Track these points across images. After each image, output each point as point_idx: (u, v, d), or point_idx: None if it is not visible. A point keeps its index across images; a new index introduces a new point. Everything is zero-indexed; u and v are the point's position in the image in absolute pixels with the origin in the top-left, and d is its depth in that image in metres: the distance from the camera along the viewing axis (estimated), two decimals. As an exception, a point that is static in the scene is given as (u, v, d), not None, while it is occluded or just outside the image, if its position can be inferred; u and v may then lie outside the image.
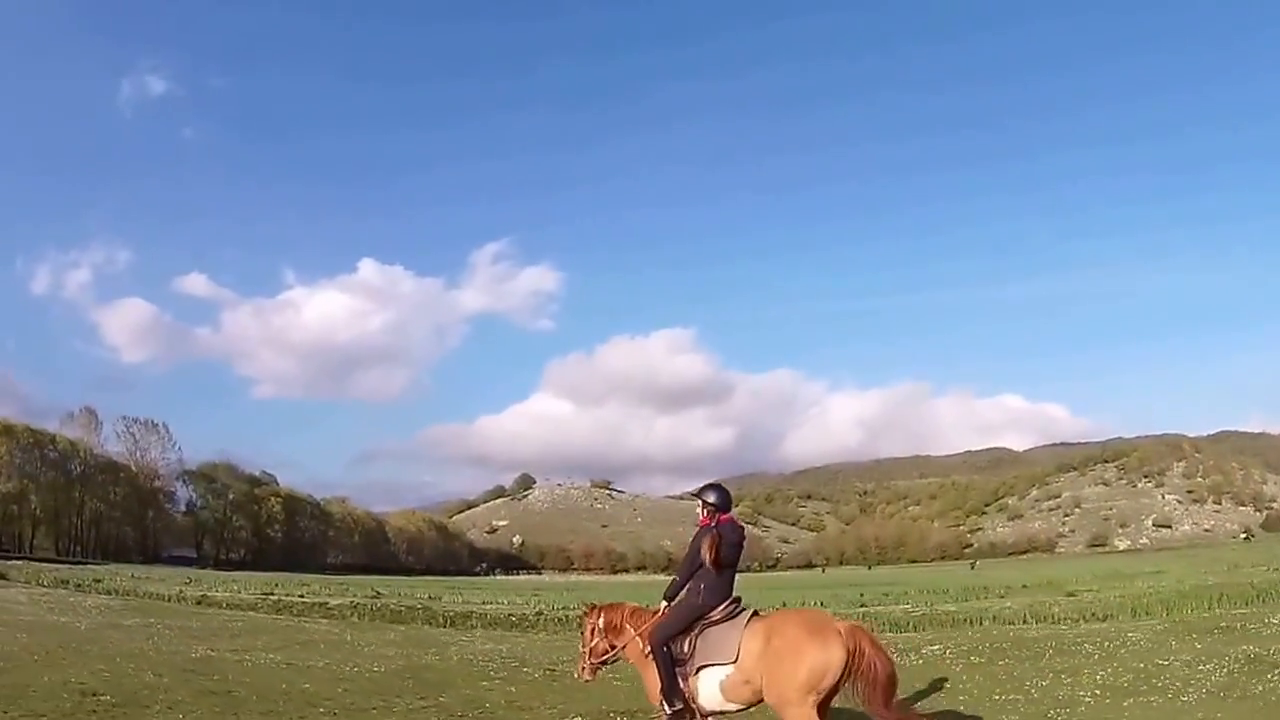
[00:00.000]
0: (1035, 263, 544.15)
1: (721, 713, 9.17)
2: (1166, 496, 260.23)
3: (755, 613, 9.29)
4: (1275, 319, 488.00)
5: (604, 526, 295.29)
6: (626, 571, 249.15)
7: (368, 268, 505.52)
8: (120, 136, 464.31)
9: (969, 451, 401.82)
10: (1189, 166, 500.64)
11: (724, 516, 9.64)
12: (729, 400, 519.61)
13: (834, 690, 8.48)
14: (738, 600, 9.39)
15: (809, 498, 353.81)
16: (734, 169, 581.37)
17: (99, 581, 52.73)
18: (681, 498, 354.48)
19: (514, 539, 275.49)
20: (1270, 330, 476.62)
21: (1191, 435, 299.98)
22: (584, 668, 10.21)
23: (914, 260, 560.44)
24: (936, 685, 16.00)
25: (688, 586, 9.47)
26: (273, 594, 50.31)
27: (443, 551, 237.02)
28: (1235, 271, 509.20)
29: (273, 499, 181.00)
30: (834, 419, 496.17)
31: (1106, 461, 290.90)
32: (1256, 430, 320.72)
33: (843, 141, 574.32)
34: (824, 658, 8.33)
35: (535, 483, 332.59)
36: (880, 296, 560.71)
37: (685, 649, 9.16)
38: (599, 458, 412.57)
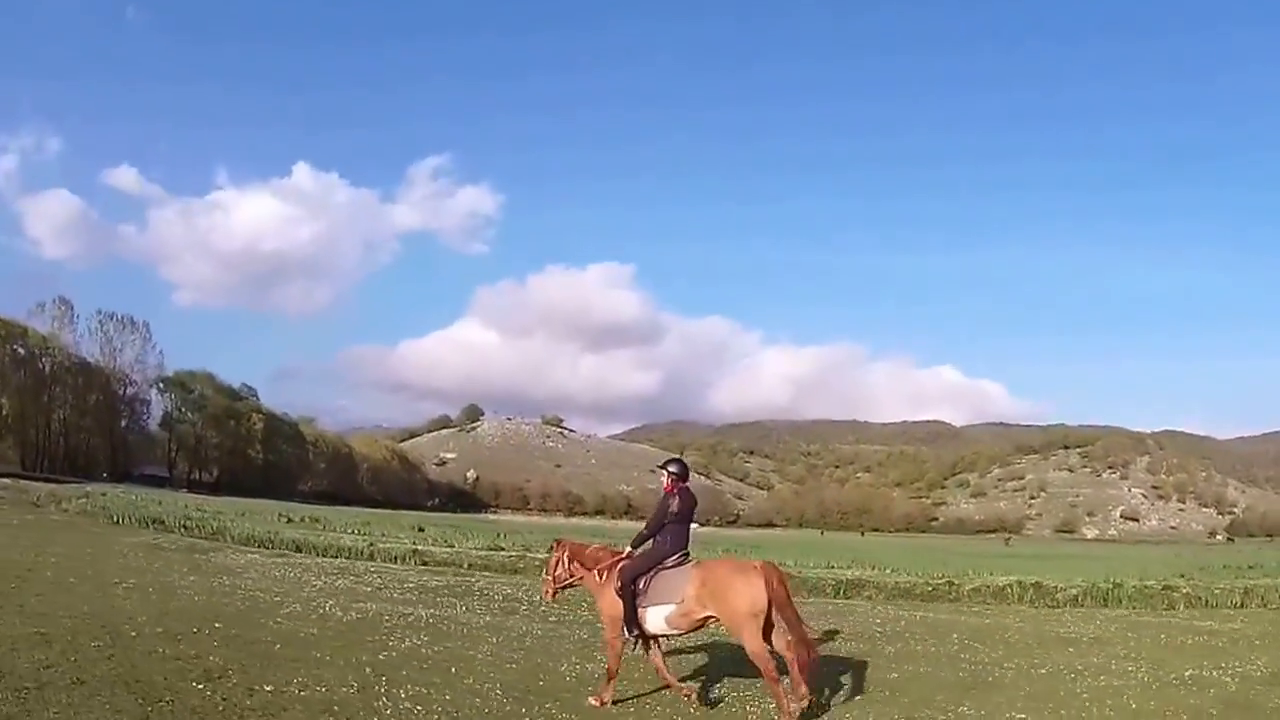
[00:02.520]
0: (988, 239, 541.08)
1: (665, 635, 11.40)
2: (1132, 490, 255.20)
3: (696, 561, 11.31)
4: (1220, 325, 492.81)
5: (558, 466, 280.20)
6: (585, 515, 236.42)
7: (302, 173, 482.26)
8: (60, 16, 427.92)
9: (906, 422, 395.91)
10: (1152, 162, 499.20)
11: (682, 484, 11.51)
12: (659, 343, 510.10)
13: (769, 616, 10.52)
14: (688, 553, 11.31)
15: (751, 453, 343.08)
16: (688, 110, 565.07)
17: (192, 524, 36.31)
18: (623, 439, 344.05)
19: (468, 474, 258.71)
20: (1213, 335, 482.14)
21: (1134, 430, 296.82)
22: (548, 591, 12.18)
23: (865, 221, 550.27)
24: None
25: (655, 537, 11.34)
26: (500, 549, 35.11)
27: (404, 483, 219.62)
28: (1189, 273, 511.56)
29: (254, 415, 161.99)
30: (765, 373, 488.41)
31: (1067, 448, 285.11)
32: (1201, 433, 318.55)
33: (802, 97, 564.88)
34: (752, 590, 10.46)
35: (483, 415, 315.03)
36: (827, 254, 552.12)
37: (641, 586, 11.07)
38: (520, 392, 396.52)
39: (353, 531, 42.43)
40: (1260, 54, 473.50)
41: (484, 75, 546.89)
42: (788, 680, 10.66)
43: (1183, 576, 36.69)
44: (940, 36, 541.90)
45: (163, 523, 36.40)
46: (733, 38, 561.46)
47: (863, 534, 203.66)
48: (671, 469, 11.62)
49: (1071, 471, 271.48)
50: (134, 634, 12.42)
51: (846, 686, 12.54)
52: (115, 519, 37.22)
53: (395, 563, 28.64)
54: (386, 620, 15.90)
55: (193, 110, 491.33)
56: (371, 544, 33.25)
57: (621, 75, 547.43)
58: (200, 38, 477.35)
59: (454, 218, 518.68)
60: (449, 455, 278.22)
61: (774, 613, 10.51)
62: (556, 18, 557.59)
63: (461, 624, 16.34)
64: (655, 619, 10.99)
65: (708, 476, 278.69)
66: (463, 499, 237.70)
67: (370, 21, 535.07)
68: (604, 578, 11.53)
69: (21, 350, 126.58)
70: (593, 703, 11.08)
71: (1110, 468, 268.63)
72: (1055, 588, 27.79)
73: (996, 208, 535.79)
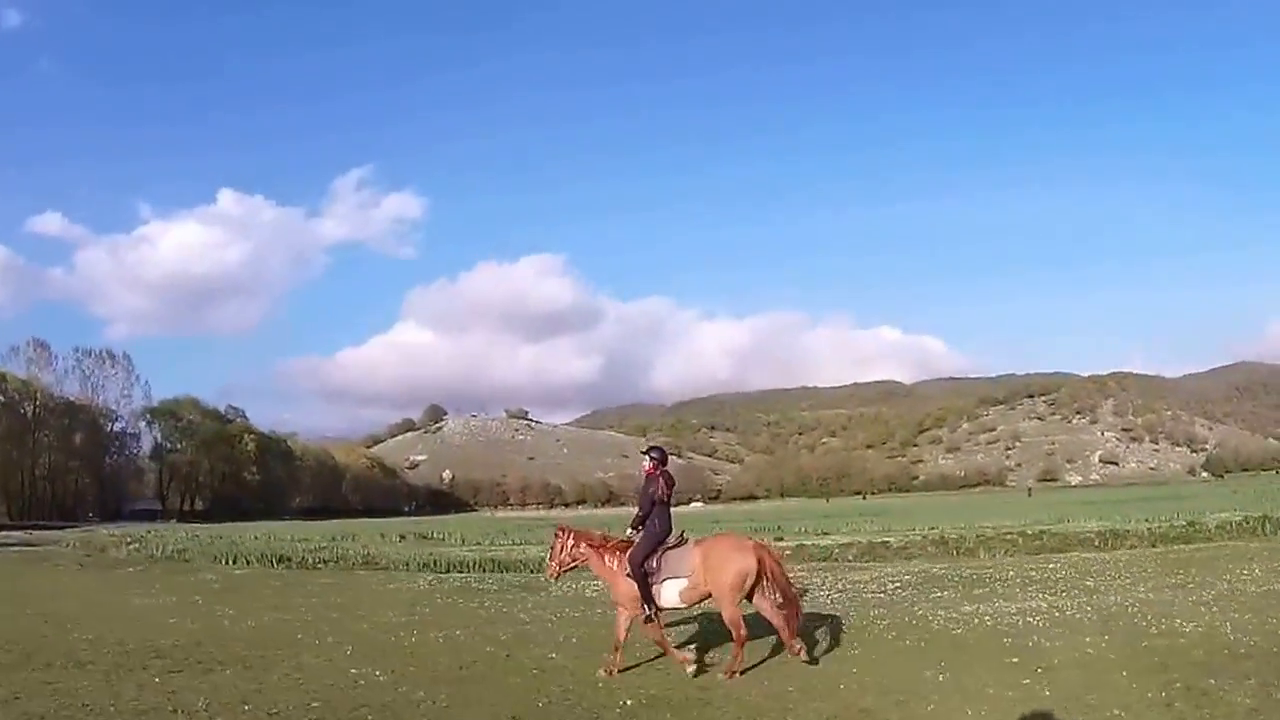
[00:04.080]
0: (912, 192, 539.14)
1: (674, 608, 12.11)
2: (1105, 434, 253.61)
3: (697, 539, 12.20)
4: (1150, 261, 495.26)
5: (530, 459, 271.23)
6: (566, 505, 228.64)
7: (227, 198, 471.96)
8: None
9: (857, 383, 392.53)
10: (1073, 99, 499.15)
11: (663, 468, 12.17)
12: (597, 328, 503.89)
13: (754, 588, 11.50)
14: (682, 531, 12.12)
15: (713, 428, 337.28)
16: (604, 91, 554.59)
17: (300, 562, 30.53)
18: (578, 426, 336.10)
19: (444, 475, 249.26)
20: (1145, 272, 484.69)
21: (1082, 375, 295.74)
22: (553, 572, 12.68)
23: (791, 187, 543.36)
24: None
25: (646, 522, 11.96)
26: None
27: (385, 490, 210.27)
28: (1111, 211, 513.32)
29: (245, 436, 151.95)
30: (706, 348, 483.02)
31: (1032, 396, 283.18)
32: (1150, 373, 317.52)
33: (716, 66, 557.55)
34: (745, 564, 11.41)
35: (446, 414, 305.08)
36: (754, 225, 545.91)
37: (653, 565, 11.68)
38: (462, 388, 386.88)
39: (484, 543, 40.33)
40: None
41: (395, 81, 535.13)
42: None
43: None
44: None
45: (290, 559, 30.87)
46: (637, 13, 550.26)
47: (864, 497, 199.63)
48: (653, 454, 12.42)
49: (1041, 420, 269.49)
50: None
51: None
52: (226, 560, 31.35)
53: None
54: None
55: (111, 150, 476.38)
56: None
57: (529, 64, 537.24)
58: (111, 78, 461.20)
59: (381, 225, 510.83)
60: (419, 458, 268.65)
61: (766, 584, 11.58)
62: (458, 18, 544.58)
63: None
64: (669, 594, 11.64)
65: (679, 455, 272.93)
66: (441, 500, 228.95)
67: (276, 43, 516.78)
68: (616, 565, 12.04)
69: (1, 396, 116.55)
70: (602, 674, 11.46)
71: (1078, 413, 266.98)
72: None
73: (914, 162, 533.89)
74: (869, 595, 17.88)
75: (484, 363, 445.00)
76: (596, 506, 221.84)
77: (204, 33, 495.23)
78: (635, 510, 12.36)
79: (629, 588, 11.77)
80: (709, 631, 13.56)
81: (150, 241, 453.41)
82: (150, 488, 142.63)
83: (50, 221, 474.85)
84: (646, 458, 12.37)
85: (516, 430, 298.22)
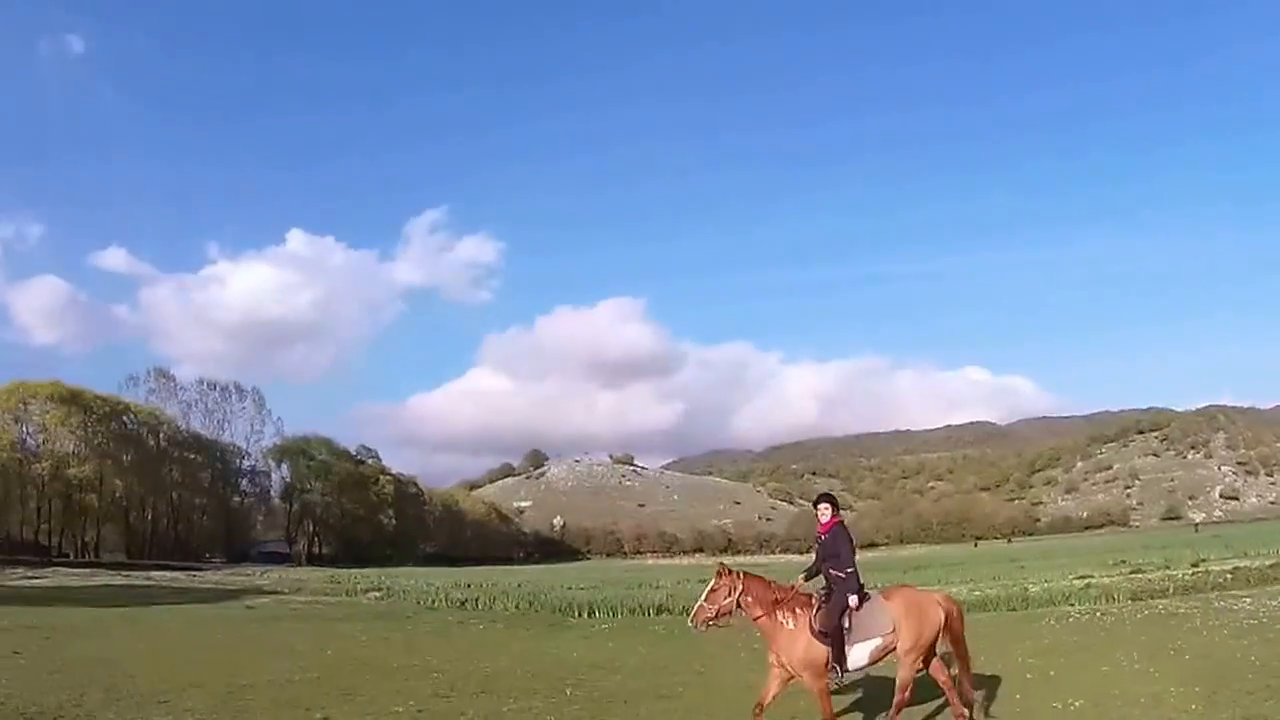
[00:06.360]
0: (995, 238, 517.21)
1: (858, 670, 10.67)
2: (1221, 469, 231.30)
3: (879, 591, 10.94)
4: (1234, 295, 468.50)
5: (640, 506, 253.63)
6: (685, 554, 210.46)
7: (296, 239, 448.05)
8: (35, 100, 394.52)
9: (950, 426, 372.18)
10: (1154, 143, 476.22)
11: (838, 518, 11.01)
12: (678, 374, 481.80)
13: (934, 641, 10.54)
14: (861, 585, 10.56)
15: (814, 474, 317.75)
16: (685, 136, 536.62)
17: None
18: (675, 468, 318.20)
19: (555, 522, 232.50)
20: (1230, 307, 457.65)
21: (1178, 409, 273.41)
22: (704, 621, 10.44)
23: (874, 231, 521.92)
24: None
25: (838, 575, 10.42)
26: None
27: (503, 536, 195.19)
28: (1196, 248, 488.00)
29: (381, 479, 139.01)
30: (789, 393, 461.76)
31: (1142, 433, 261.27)
32: (1243, 405, 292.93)
33: (799, 112, 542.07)
34: (938, 618, 10.49)
35: (548, 459, 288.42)
36: (839, 267, 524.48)
37: (846, 626, 10.19)
38: (537, 435, 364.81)
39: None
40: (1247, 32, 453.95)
41: (470, 124, 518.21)
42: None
43: None
44: (935, 46, 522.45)
45: (642, 610, 29.33)
46: (720, 61, 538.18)
47: (1008, 540, 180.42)
48: (832, 504, 11.28)
49: (1157, 456, 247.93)
50: None
51: None
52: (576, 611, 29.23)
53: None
54: None
55: (178, 185, 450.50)
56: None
57: (608, 110, 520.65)
58: (176, 111, 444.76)
59: (456, 269, 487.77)
60: (524, 504, 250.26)
61: (947, 642, 10.66)
62: (531, 64, 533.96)
63: None
64: (860, 655, 10.37)
65: (791, 503, 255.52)
66: (552, 548, 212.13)
67: (350, 81, 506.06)
68: (795, 623, 10.37)
69: (128, 428, 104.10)
70: None
71: (1192, 448, 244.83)
72: None
73: (992, 209, 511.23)
74: None
75: (561, 409, 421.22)
76: (713, 554, 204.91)
77: (271, 69, 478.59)
78: (813, 561, 11.03)
79: (809, 649, 10.23)
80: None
81: (219, 281, 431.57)
82: (276, 529, 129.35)
83: (115, 257, 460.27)
84: (825, 506, 11.24)
85: (623, 476, 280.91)
